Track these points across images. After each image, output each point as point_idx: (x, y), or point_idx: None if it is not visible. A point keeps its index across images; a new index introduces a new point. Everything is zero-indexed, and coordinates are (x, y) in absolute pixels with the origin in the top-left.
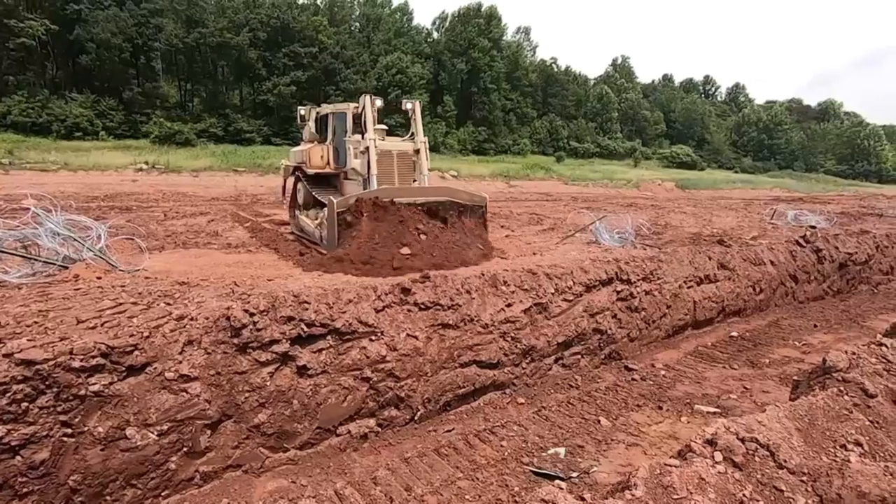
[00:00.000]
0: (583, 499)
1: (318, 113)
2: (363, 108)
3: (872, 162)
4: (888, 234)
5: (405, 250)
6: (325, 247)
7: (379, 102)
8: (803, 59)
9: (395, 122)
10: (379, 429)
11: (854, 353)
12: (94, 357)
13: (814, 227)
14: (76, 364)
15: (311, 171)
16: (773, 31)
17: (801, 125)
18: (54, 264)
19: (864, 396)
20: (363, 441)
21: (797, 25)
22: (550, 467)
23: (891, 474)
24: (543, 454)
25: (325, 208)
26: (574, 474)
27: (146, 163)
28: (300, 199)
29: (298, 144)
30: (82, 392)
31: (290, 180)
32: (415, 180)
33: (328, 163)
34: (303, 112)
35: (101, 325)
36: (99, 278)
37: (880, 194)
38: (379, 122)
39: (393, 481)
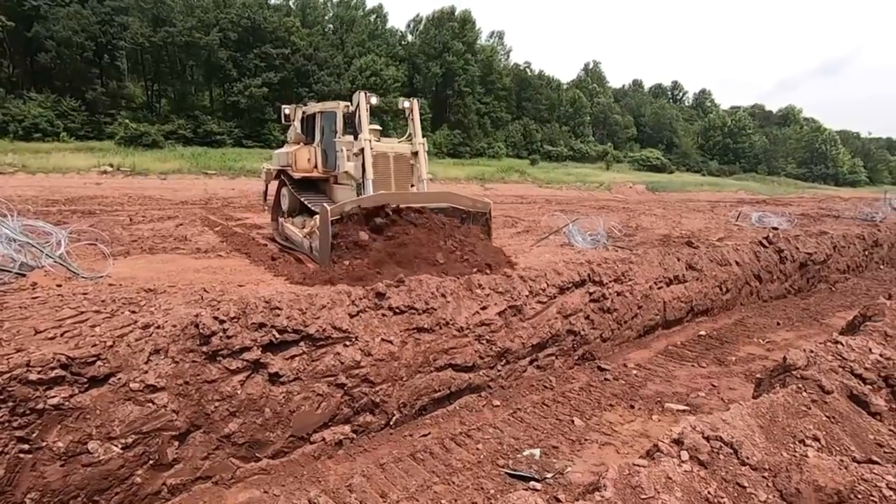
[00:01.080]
0: (558, 500)
1: (304, 112)
2: (357, 106)
3: (829, 166)
4: (844, 234)
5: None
6: (316, 259)
7: (374, 100)
8: (768, 66)
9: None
10: (354, 435)
11: (812, 352)
12: (53, 369)
13: (776, 229)
14: (33, 377)
15: (297, 176)
16: (740, 37)
17: (763, 130)
18: (10, 272)
19: (821, 393)
20: (338, 448)
21: (762, 32)
22: (526, 469)
23: (845, 468)
24: (519, 456)
25: (316, 216)
26: (549, 475)
27: (111, 165)
28: (284, 205)
29: (279, 147)
30: (40, 406)
31: (273, 185)
32: (413, 185)
33: (316, 166)
34: (287, 111)
35: (61, 335)
36: (59, 286)
37: (837, 196)
38: (371, 122)
39: (368, 488)
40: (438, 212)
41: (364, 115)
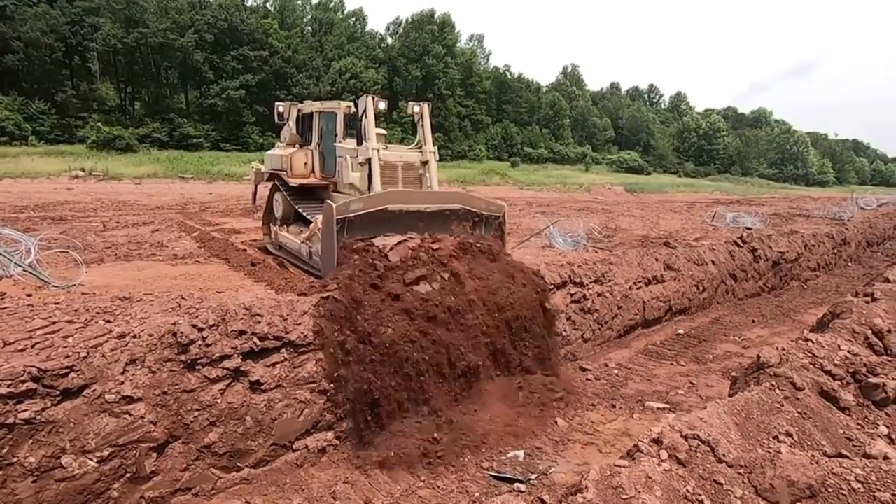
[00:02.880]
0: (542, 501)
1: (300, 111)
2: (363, 111)
3: (800, 166)
4: (815, 233)
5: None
6: (317, 268)
7: (382, 105)
8: (741, 68)
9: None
10: (338, 442)
11: (784, 349)
12: (23, 382)
13: (750, 229)
14: (3, 390)
15: (293, 182)
16: (714, 41)
17: (736, 132)
18: None
19: (794, 389)
20: (321, 455)
21: (736, 36)
22: (510, 471)
23: (816, 462)
24: (503, 458)
25: (318, 216)
26: (532, 476)
27: (82, 169)
28: (278, 211)
29: (258, 150)
30: (10, 420)
31: (263, 187)
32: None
33: (313, 171)
34: (281, 109)
35: (32, 346)
36: (29, 296)
37: (807, 196)
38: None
39: (353, 495)
40: (450, 214)
41: (371, 121)
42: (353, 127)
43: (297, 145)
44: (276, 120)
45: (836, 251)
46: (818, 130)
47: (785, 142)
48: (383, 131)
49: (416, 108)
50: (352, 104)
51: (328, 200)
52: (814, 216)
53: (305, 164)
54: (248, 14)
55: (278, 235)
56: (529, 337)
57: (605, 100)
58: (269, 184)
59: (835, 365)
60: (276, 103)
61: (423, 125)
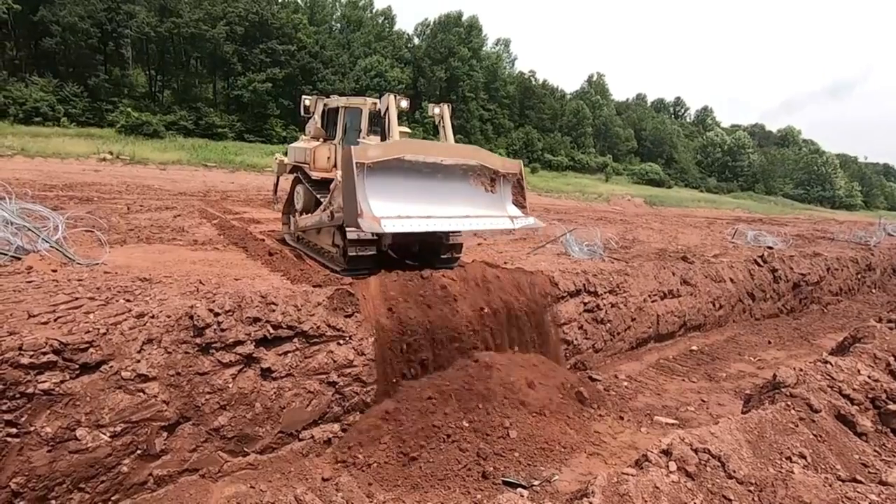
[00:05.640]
0: None
1: (326, 105)
2: (386, 110)
3: (827, 188)
4: (838, 257)
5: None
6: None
7: (404, 103)
8: (774, 86)
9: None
10: (343, 434)
11: (801, 370)
12: (45, 353)
13: (771, 248)
14: (25, 360)
15: (315, 176)
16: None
17: (762, 150)
18: (6, 255)
19: (810, 411)
20: (327, 446)
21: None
22: (514, 476)
23: (830, 485)
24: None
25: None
26: (536, 482)
27: (110, 153)
28: (299, 204)
29: (281, 142)
30: (30, 390)
31: (284, 179)
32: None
33: (335, 165)
34: (307, 102)
35: (55, 320)
36: (54, 271)
37: (833, 219)
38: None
39: (355, 487)
40: (468, 170)
41: (394, 120)
42: (378, 124)
43: (320, 139)
44: (302, 113)
45: (859, 276)
46: (848, 152)
47: (812, 162)
48: (407, 130)
49: (437, 110)
50: (377, 101)
51: (348, 146)
52: (838, 239)
53: (328, 158)
54: (279, 8)
55: (299, 221)
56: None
57: (630, 110)
58: (291, 176)
59: (853, 389)
60: (303, 96)
61: (444, 126)
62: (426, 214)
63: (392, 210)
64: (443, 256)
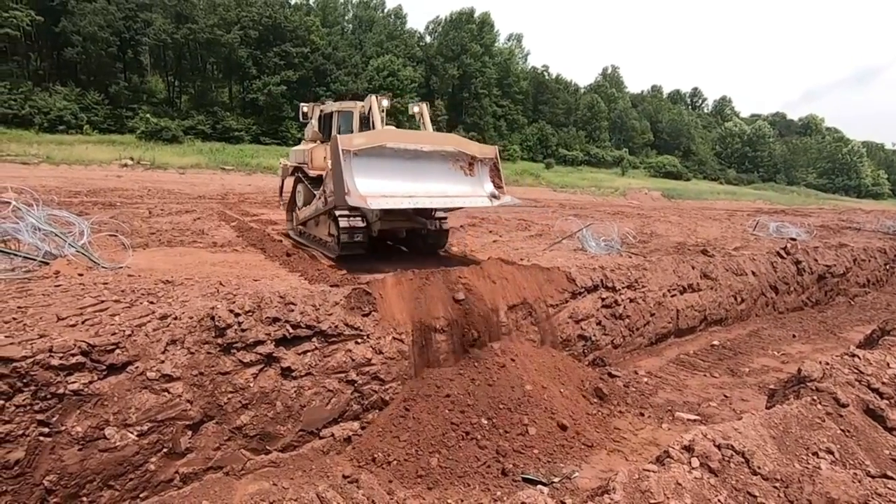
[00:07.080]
0: (563, 503)
1: (321, 111)
2: (369, 109)
3: (852, 177)
4: (865, 248)
5: None
6: (332, 201)
7: (385, 102)
8: (794, 76)
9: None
10: (363, 431)
11: (828, 364)
12: (73, 355)
13: (794, 240)
14: (55, 362)
15: (313, 174)
16: (766, 47)
17: (783, 139)
18: (34, 260)
19: (837, 406)
20: (347, 444)
21: (791, 42)
22: (534, 472)
23: (859, 481)
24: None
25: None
26: (556, 479)
27: (131, 158)
28: (300, 201)
29: (296, 144)
30: (61, 391)
31: (289, 181)
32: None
33: None
34: (305, 109)
35: (82, 322)
36: (80, 275)
37: (858, 208)
38: (387, 124)
39: (375, 484)
40: (447, 156)
41: (377, 118)
42: (367, 125)
43: (318, 141)
44: (301, 119)
45: (888, 267)
46: (873, 140)
47: (837, 151)
48: (392, 126)
49: (416, 109)
50: (365, 104)
51: (335, 133)
52: (865, 230)
53: (325, 157)
54: (292, 11)
55: (299, 213)
56: None
57: (645, 102)
58: (294, 177)
59: (883, 383)
60: (301, 104)
61: (423, 123)
62: (409, 194)
63: (377, 189)
64: (430, 242)
